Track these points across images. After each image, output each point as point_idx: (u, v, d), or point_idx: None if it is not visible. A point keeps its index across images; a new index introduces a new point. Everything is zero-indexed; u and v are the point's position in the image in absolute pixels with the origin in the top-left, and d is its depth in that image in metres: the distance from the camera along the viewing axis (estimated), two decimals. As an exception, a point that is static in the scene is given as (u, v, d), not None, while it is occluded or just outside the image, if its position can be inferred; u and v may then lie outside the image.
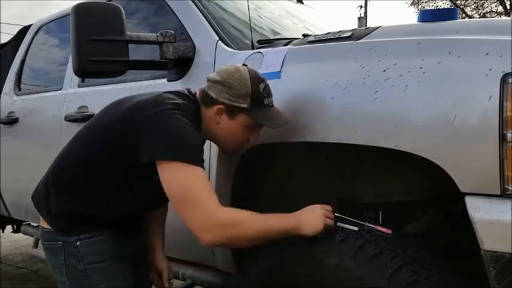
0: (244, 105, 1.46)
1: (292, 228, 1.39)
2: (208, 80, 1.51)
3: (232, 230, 1.34)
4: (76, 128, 2.45)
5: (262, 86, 1.48)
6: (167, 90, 1.54)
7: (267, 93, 1.50)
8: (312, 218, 1.41)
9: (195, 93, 1.55)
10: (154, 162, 1.36)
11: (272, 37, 2.10)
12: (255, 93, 1.46)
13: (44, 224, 1.55)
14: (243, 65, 1.53)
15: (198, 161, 1.36)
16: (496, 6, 20.00)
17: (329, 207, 1.45)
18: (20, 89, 3.21)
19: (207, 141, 1.67)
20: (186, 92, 1.55)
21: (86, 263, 1.48)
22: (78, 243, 1.48)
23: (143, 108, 1.41)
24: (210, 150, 1.76)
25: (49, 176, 1.55)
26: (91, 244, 1.48)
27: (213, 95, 1.48)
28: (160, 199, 1.48)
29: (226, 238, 1.33)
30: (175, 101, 1.43)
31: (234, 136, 1.53)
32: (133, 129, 1.38)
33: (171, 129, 1.35)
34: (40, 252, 3.03)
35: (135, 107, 1.43)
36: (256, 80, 1.48)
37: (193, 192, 1.32)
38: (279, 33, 2.25)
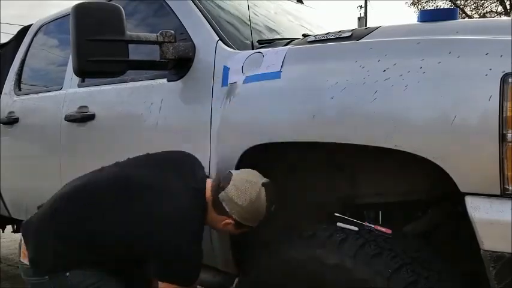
0: (252, 225, 1.62)
1: None
2: (226, 192, 1.58)
3: None
4: (76, 128, 2.47)
5: (273, 208, 1.61)
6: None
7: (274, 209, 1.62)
8: None
9: (204, 191, 1.62)
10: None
11: (272, 37, 2.10)
12: (265, 217, 1.61)
13: (25, 259, 1.59)
14: (263, 184, 1.59)
15: (193, 283, 1.60)
16: (496, 6, 20.02)
17: None
18: (20, 89, 3.21)
19: (208, 137, 1.76)
20: (201, 185, 1.63)
21: None
22: (67, 273, 1.54)
23: (162, 230, 1.50)
24: (210, 153, 1.76)
25: (51, 225, 1.59)
26: (82, 274, 1.55)
27: (228, 210, 1.58)
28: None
29: None
30: (193, 225, 1.54)
31: (235, 234, 1.69)
32: (149, 243, 1.51)
33: (182, 261, 1.51)
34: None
35: (155, 223, 1.51)
36: (272, 203, 1.60)
37: None
38: (279, 33, 2.25)
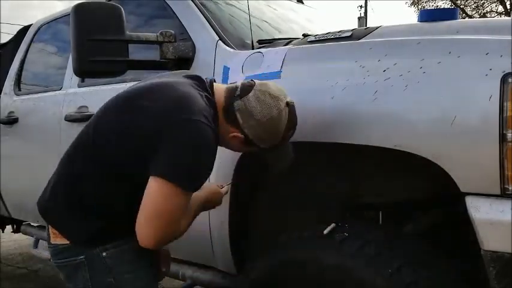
0: (264, 147, 1.41)
1: (203, 210, 1.52)
2: (245, 102, 1.36)
3: (172, 238, 1.34)
4: (76, 128, 2.46)
5: (291, 133, 1.42)
6: (181, 74, 1.47)
7: (290, 136, 1.44)
8: (213, 198, 1.56)
9: (213, 90, 1.42)
10: None
11: (272, 37, 2.10)
12: (281, 142, 1.41)
13: (57, 240, 1.39)
14: (287, 104, 1.38)
15: (194, 189, 1.32)
16: (496, 6, 20.02)
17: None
18: (20, 89, 3.21)
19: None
20: (206, 85, 1.42)
21: (116, 274, 1.37)
22: (104, 254, 1.36)
23: (169, 111, 1.28)
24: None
25: (60, 189, 1.40)
26: (118, 253, 1.37)
27: (240, 121, 1.36)
28: None
29: (164, 244, 1.36)
30: (202, 106, 1.31)
31: (236, 150, 1.52)
32: (157, 133, 1.26)
33: (191, 151, 1.25)
34: (40, 252, 3.03)
35: (160, 109, 1.29)
36: (290, 127, 1.40)
37: (173, 218, 1.28)
38: (279, 33, 2.25)
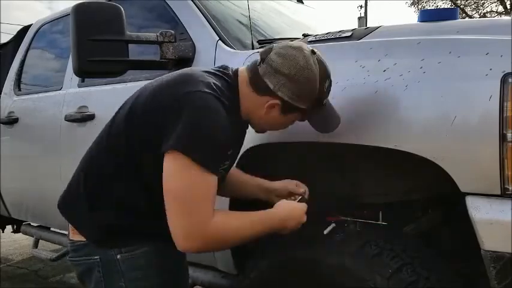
0: (304, 107, 1.31)
1: (277, 228, 1.33)
2: (268, 63, 1.28)
3: (216, 243, 1.26)
4: (76, 128, 2.47)
5: (327, 84, 1.31)
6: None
7: (329, 91, 1.34)
8: (294, 212, 1.36)
9: (236, 71, 1.37)
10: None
11: (272, 37, 2.10)
12: (319, 95, 1.30)
13: (75, 237, 1.38)
14: (312, 52, 1.30)
15: (214, 170, 1.21)
16: (496, 6, 20.04)
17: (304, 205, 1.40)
18: (20, 89, 3.21)
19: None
20: (220, 69, 1.38)
21: (127, 280, 1.33)
22: (118, 256, 1.33)
23: (173, 89, 1.25)
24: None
25: (80, 186, 1.37)
26: (132, 258, 1.34)
27: (271, 86, 1.27)
28: None
29: (207, 249, 1.25)
30: (203, 80, 1.26)
31: (278, 125, 1.40)
32: (164, 112, 1.21)
33: (199, 125, 1.18)
34: (40, 252, 3.03)
35: (164, 90, 1.27)
36: (324, 77, 1.30)
37: (194, 199, 1.19)
38: (279, 33, 2.25)
